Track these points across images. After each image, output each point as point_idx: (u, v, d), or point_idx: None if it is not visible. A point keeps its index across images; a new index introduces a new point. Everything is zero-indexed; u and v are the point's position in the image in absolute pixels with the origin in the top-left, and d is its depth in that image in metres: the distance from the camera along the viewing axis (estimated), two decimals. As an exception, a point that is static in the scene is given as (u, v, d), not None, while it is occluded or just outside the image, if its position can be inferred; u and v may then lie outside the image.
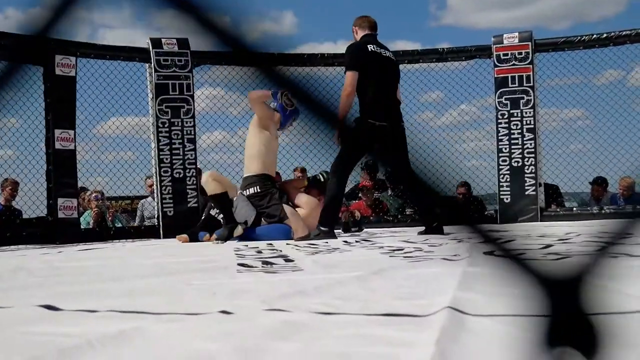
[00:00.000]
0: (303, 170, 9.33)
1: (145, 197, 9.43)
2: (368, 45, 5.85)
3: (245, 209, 6.04)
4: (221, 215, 6.20)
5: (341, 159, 5.71)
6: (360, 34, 6.03)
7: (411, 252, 3.77)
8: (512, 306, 1.63)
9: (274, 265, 3.13)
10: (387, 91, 5.85)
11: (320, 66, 9.27)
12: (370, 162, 8.71)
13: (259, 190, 6.10)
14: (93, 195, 8.67)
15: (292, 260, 3.40)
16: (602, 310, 1.03)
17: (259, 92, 6.03)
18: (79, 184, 8.39)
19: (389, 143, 5.73)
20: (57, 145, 7.51)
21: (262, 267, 3.09)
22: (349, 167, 5.82)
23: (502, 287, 1.94)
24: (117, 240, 7.51)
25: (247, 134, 6.38)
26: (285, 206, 6.11)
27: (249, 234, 6.00)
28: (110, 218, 8.98)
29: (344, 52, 6.01)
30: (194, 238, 6.24)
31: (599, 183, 9.22)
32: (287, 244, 5.11)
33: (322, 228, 5.66)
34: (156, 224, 8.19)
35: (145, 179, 9.09)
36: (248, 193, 6.13)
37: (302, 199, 6.28)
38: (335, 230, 5.80)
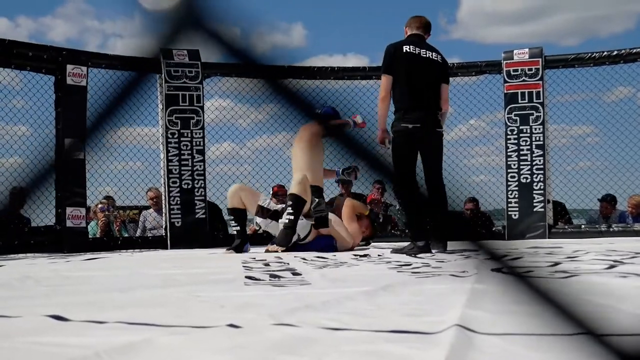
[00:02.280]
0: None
1: (147, 208, 9.42)
2: (404, 46, 5.69)
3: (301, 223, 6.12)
4: (237, 228, 6.36)
5: (396, 173, 5.62)
6: (408, 33, 5.90)
7: (419, 267, 3.76)
8: (522, 325, 1.63)
9: (281, 279, 3.13)
10: (422, 93, 5.66)
11: (330, 79, 9.27)
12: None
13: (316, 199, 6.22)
14: (99, 206, 8.67)
15: (299, 274, 3.39)
16: (612, 332, 1.03)
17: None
18: (95, 194, 8.46)
19: (423, 147, 5.66)
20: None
21: (270, 280, 3.09)
22: (406, 177, 5.64)
23: (511, 305, 1.94)
24: (125, 250, 7.51)
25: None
26: (331, 214, 6.30)
27: (293, 246, 6.11)
28: (117, 228, 8.98)
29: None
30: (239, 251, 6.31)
31: (608, 200, 9.18)
32: (318, 256, 5.11)
33: (419, 243, 5.42)
34: (164, 234, 8.19)
35: (147, 191, 9.10)
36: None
37: (333, 220, 6.34)
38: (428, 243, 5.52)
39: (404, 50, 5.66)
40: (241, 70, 8.86)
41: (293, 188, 6.02)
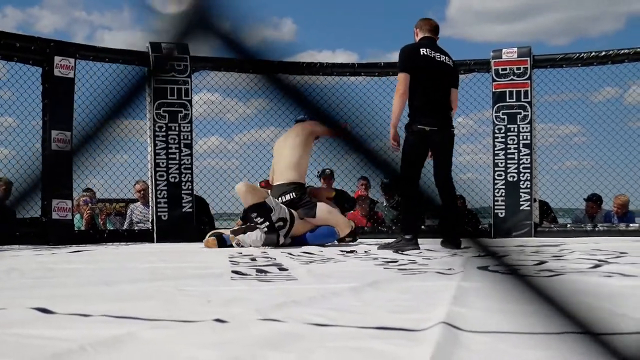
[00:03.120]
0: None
1: (135, 201, 9.38)
2: (421, 49, 5.74)
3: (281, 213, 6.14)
4: (265, 223, 6.06)
5: (403, 170, 5.69)
6: (419, 36, 5.90)
7: (405, 264, 3.77)
8: (509, 323, 1.63)
9: (267, 274, 3.13)
10: (437, 96, 5.74)
11: (318, 75, 9.26)
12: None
13: (294, 196, 6.31)
14: (82, 199, 8.63)
15: (286, 269, 3.39)
16: (599, 331, 1.03)
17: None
18: (82, 185, 8.42)
19: (437, 148, 5.75)
20: (54, 147, 7.50)
21: (256, 275, 3.09)
22: (414, 175, 5.69)
23: (497, 303, 1.95)
24: (111, 243, 7.48)
25: (274, 142, 6.55)
26: (319, 205, 6.36)
27: (297, 239, 6.19)
28: (102, 221, 8.94)
29: (398, 54, 5.89)
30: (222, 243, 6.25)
31: (594, 200, 9.23)
32: (302, 251, 5.12)
33: (406, 236, 5.52)
34: (150, 227, 8.17)
35: (135, 184, 9.06)
36: (284, 200, 6.27)
37: (324, 207, 6.41)
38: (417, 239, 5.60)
39: (422, 53, 5.72)
40: (231, 64, 8.86)
41: (245, 201, 6.04)
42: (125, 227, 9.04)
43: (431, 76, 5.69)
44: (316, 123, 6.34)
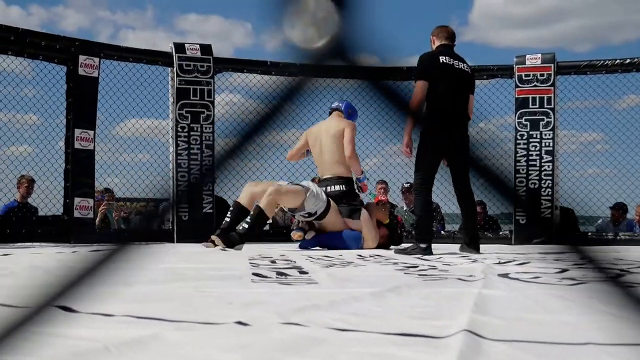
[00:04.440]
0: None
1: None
2: (440, 57, 5.80)
3: (314, 200, 6.20)
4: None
5: (419, 175, 5.75)
6: (436, 43, 5.97)
7: (426, 270, 3.75)
8: (532, 332, 1.62)
9: (288, 277, 3.13)
10: (455, 102, 5.80)
11: (340, 78, 9.25)
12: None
13: (344, 188, 6.51)
14: (96, 195, 8.65)
15: (306, 273, 3.39)
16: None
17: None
18: (103, 185, 8.47)
19: (452, 154, 5.82)
20: (77, 145, 7.55)
21: (277, 277, 3.09)
22: (429, 181, 5.78)
23: (519, 311, 1.94)
24: (131, 243, 7.50)
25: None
26: (364, 211, 6.48)
27: (321, 239, 6.29)
28: (116, 219, 8.95)
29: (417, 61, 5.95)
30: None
31: (619, 208, 9.16)
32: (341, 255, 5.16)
33: (421, 245, 5.58)
34: (170, 228, 8.20)
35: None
36: (333, 189, 6.44)
37: (366, 216, 6.52)
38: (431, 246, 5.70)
39: (441, 61, 5.78)
40: (254, 65, 8.88)
41: (262, 200, 6.08)
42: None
43: (450, 83, 5.73)
44: (352, 128, 6.45)
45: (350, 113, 6.96)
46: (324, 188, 6.36)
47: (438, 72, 5.71)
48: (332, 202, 6.25)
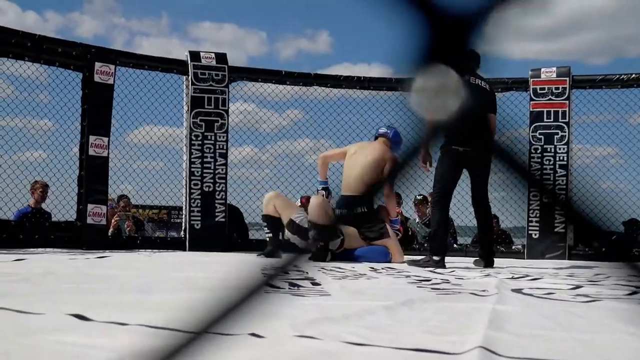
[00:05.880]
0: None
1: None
2: None
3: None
4: (269, 235, 6.46)
5: (437, 188, 5.78)
6: None
7: (439, 283, 3.74)
8: (545, 350, 1.61)
9: (300, 288, 3.12)
10: (472, 117, 5.82)
11: (355, 89, 9.28)
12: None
13: (365, 210, 6.46)
14: (108, 203, 8.66)
15: (319, 284, 3.39)
16: None
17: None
18: (116, 193, 8.51)
19: (472, 169, 5.89)
20: (91, 152, 7.58)
21: (289, 289, 3.09)
22: (447, 194, 5.84)
23: (533, 328, 1.93)
24: (144, 250, 7.52)
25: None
26: (388, 227, 6.49)
27: (348, 255, 6.22)
28: (128, 228, 8.90)
29: None
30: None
31: (631, 224, 9.10)
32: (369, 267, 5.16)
33: (435, 258, 5.60)
34: (183, 236, 8.21)
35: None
36: (353, 212, 6.50)
37: (393, 236, 6.56)
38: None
39: None
40: (267, 75, 8.89)
41: (312, 215, 6.15)
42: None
43: (466, 97, 5.74)
44: (394, 165, 6.46)
45: (396, 142, 6.88)
46: (345, 210, 6.34)
47: None
48: (343, 231, 6.23)
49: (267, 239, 6.62)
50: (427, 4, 0.69)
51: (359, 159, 6.67)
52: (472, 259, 6.14)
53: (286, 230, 6.52)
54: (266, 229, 6.61)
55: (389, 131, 6.95)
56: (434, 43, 0.73)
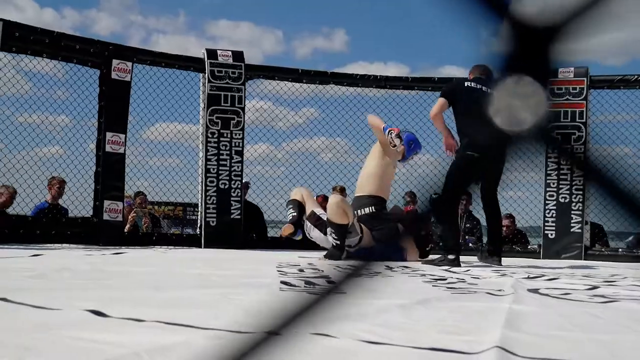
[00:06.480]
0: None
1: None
2: (465, 82, 6.02)
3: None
4: (336, 241, 6.20)
5: (445, 190, 5.80)
6: (470, 77, 6.20)
7: (454, 282, 3.73)
8: (563, 350, 1.60)
9: (316, 286, 3.12)
10: (486, 124, 5.86)
11: (371, 87, 9.28)
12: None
13: (373, 210, 6.39)
14: (125, 200, 8.67)
15: (334, 282, 3.38)
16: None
17: (376, 120, 6.65)
18: (132, 189, 8.53)
19: (486, 174, 6.00)
20: (108, 148, 7.61)
21: (305, 287, 3.09)
22: (457, 196, 5.99)
23: (551, 328, 1.91)
24: (159, 247, 7.55)
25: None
26: (400, 227, 6.43)
27: (363, 253, 6.20)
28: (145, 225, 8.90)
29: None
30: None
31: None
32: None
33: (449, 256, 5.62)
34: (198, 233, 8.23)
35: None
36: (362, 213, 6.36)
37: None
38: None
39: (465, 85, 6.01)
40: (283, 73, 8.90)
41: (331, 215, 6.07)
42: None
43: (477, 106, 5.79)
44: (384, 142, 6.43)
45: (410, 145, 6.65)
46: (358, 211, 6.33)
47: (461, 94, 5.91)
48: (364, 229, 6.23)
49: (290, 217, 6.57)
50: (509, 15, 0.69)
51: (366, 162, 6.70)
52: (478, 254, 6.22)
53: (306, 221, 6.49)
54: (291, 209, 6.58)
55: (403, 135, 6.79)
56: (515, 53, 0.72)
